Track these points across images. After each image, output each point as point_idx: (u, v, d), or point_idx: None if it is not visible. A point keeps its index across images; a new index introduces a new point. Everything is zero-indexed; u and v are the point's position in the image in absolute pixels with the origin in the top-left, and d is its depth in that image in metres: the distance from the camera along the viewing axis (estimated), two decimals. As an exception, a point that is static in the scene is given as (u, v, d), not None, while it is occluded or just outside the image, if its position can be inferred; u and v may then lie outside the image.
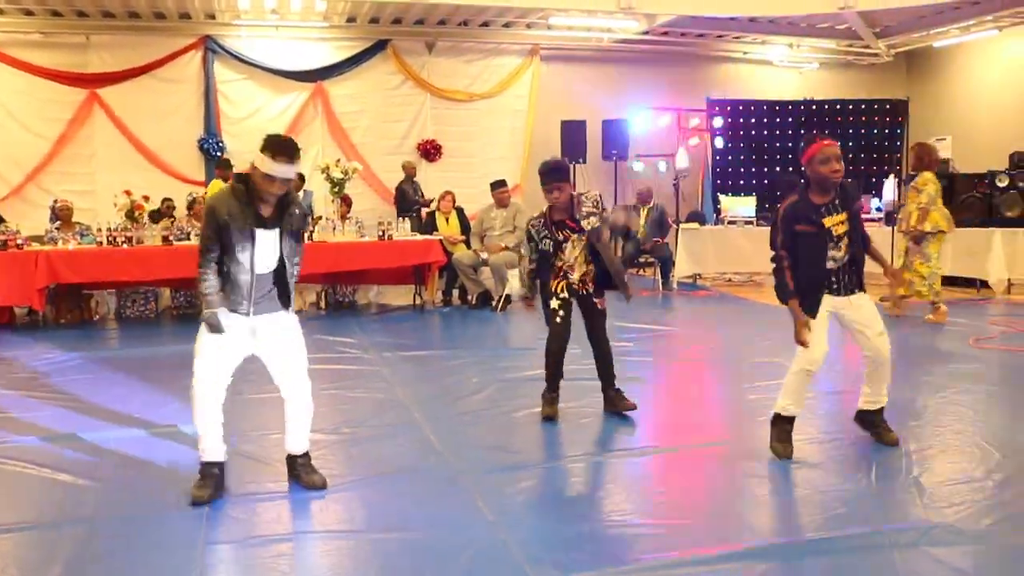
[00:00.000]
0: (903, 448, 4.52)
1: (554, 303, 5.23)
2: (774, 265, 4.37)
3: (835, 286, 4.41)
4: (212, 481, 3.97)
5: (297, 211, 3.94)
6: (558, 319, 5.22)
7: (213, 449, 4.01)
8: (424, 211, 11.65)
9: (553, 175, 5.16)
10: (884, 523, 3.58)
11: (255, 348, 4.00)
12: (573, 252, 5.20)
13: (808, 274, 4.32)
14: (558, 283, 5.24)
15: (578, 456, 4.65)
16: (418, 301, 10.31)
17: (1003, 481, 4.07)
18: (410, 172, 12.45)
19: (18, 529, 3.69)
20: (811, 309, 4.32)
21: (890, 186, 11.89)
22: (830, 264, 4.35)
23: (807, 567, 3.24)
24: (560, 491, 4.24)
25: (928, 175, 8.64)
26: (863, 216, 4.72)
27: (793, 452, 4.45)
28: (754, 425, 5.05)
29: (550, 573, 3.14)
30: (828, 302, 4.40)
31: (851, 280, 4.43)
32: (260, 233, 3.83)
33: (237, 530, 3.64)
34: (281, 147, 3.73)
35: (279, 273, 3.94)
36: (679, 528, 3.63)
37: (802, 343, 4.30)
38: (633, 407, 5.29)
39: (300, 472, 4.14)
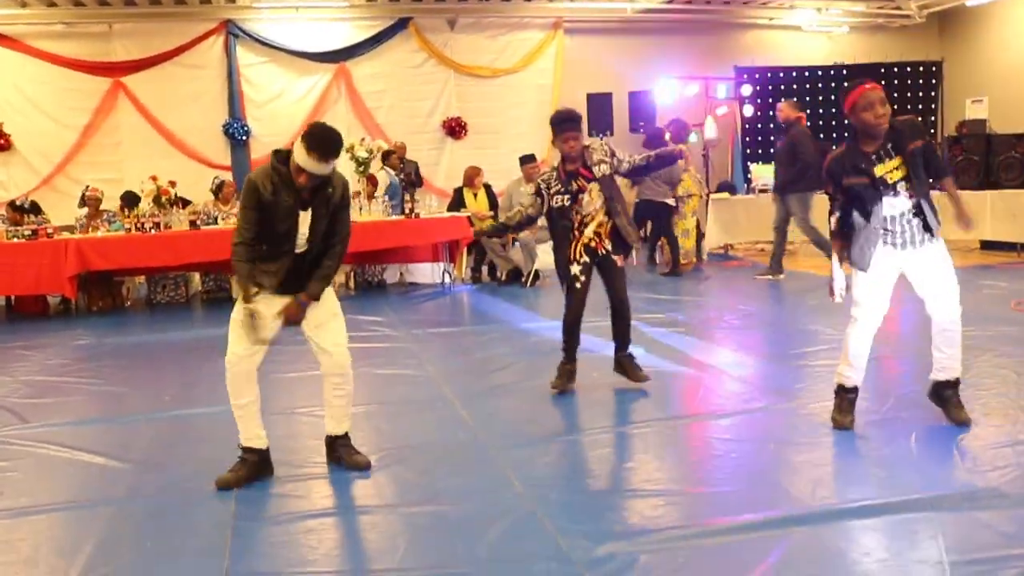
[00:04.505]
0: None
1: (575, 268, 5.06)
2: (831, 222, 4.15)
3: (899, 240, 4.02)
4: (245, 467, 3.87)
5: (333, 190, 3.81)
6: (578, 285, 5.05)
7: (249, 435, 3.91)
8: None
9: (568, 123, 5.00)
10: (927, 488, 3.47)
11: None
12: (592, 203, 5.03)
13: (863, 225, 4.01)
14: (575, 246, 5.07)
15: (609, 427, 4.59)
16: (447, 279, 10.26)
17: (1049, 443, 3.94)
18: (400, 152, 12.00)
19: (51, 510, 3.69)
20: (864, 263, 4.04)
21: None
22: (888, 212, 3.98)
23: (845, 533, 3.15)
24: (591, 462, 4.17)
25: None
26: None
27: (854, 423, 4.25)
28: (790, 392, 4.96)
29: (581, 544, 3.08)
30: (893, 257, 4.04)
31: (917, 230, 4.01)
32: (301, 214, 3.75)
33: (266, 509, 3.61)
34: (319, 143, 3.59)
35: (313, 254, 3.84)
36: (713, 496, 3.56)
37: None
38: (646, 379, 5.16)
39: (342, 453, 4.03)
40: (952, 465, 3.75)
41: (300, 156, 3.60)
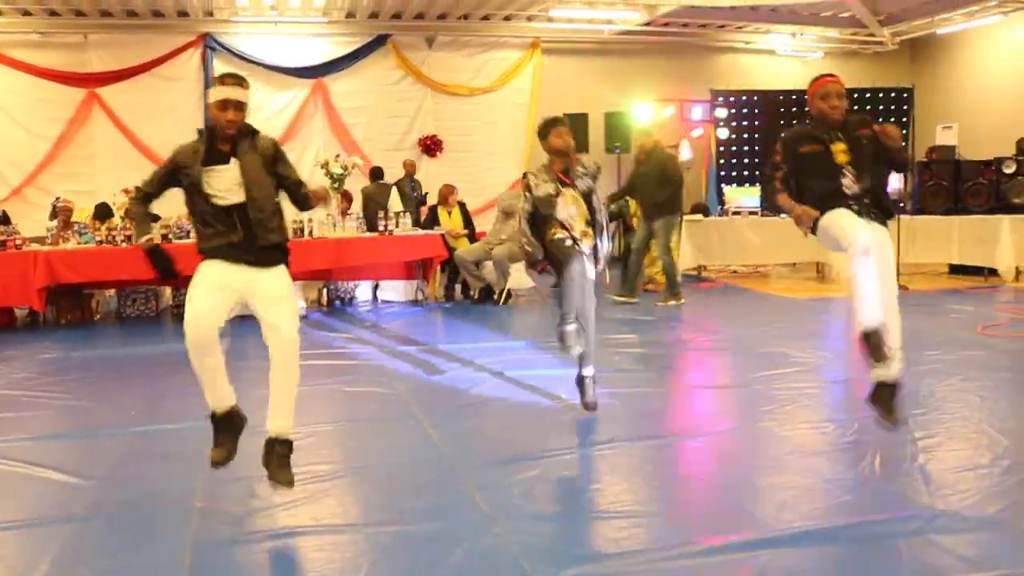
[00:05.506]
0: (908, 436, 4.43)
1: (559, 234, 4.86)
2: (764, 182, 4.33)
3: (856, 208, 4.22)
4: (229, 433, 3.82)
5: (258, 141, 3.82)
6: (567, 243, 4.84)
7: (217, 397, 3.79)
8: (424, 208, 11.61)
9: (559, 121, 5.03)
10: (889, 511, 3.50)
11: (246, 297, 3.76)
12: (567, 207, 4.93)
13: (820, 190, 4.26)
14: (554, 228, 4.90)
15: (576, 448, 4.59)
16: (420, 296, 10.24)
17: (1010, 468, 3.97)
18: (410, 170, 12.34)
19: (6, 527, 3.63)
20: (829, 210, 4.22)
21: (895, 174, 11.77)
22: (844, 190, 4.25)
23: (810, 556, 3.16)
24: (557, 483, 4.16)
25: None
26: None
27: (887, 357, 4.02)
28: (757, 415, 4.99)
29: (546, 567, 3.07)
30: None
31: (870, 211, 4.25)
32: (217, 166, 3.71)
33: (228, 527, 3.57)
34: (226, 74, 3.86)
35: (258, 209, 3.75)
36: (679, 519, 3.56)
37: (802, 224, 4.29)
38: (593, 407, 5.05)
39: (274, 463, 3.75)
40: (914, 489, 3.77)
41: (217, 94, 3.74)
